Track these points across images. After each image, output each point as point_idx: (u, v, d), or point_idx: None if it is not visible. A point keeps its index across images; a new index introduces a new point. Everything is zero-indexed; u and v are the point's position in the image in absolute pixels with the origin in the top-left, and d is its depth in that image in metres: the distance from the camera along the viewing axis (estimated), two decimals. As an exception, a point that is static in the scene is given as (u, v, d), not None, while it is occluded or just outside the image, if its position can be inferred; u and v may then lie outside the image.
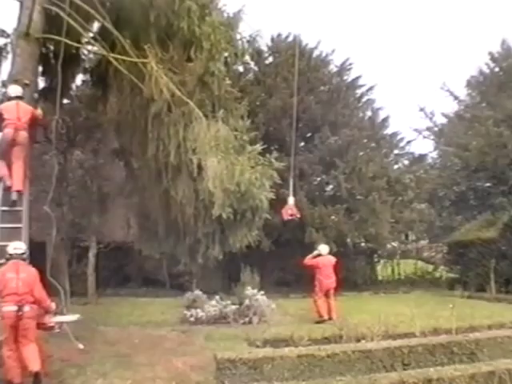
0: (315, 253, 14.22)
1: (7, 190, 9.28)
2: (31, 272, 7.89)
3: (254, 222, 10.95)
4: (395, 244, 26.24)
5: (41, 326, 8.00)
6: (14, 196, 9.25)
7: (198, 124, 9.91)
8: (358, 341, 8.74)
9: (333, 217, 22.11)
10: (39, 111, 10.08)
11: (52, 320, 8.35)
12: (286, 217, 13.96)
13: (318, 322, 12.83)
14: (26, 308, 7.49)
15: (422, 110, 28.68)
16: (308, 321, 13.05)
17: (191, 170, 10.14)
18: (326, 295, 13.78)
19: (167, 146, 10.43)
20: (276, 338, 9.93)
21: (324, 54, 25.60)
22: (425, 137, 28.93)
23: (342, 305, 15.05)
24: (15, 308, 7.41)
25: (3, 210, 9.15)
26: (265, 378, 6.64)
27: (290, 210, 13.92)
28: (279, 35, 25.76)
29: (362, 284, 23.38)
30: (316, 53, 25.41)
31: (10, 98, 9.66)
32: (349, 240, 22.26)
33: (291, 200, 14.01)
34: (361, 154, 23.25)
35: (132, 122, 11.54)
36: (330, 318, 13.07)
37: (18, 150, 9.35)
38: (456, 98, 28.04)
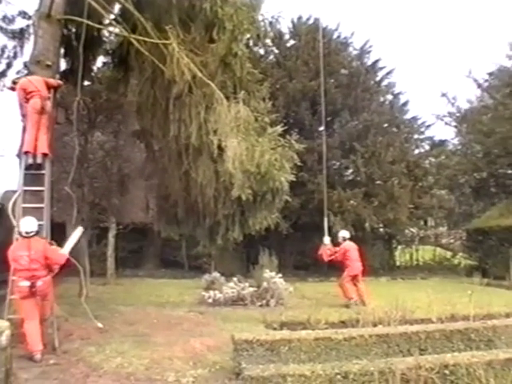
0: (326, 242, 14.24)
1: (29, 168, 9.42)
2: (40, 246, 8.14)
3: (274, 204, 10.89)
4: (414, 230, 26.05)
5: None
6: (39, 159, 9.39)
7: (219, 105, 9.86)
8: (375, 325, 8.73)
9: (351, 201, 22.01)
10: (56, 81, 10.20)
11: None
12: (326, 258, 14.13)
13: (346, 306, 12.87)
14: (39, 283, 7.87)
15: (444, 95, 28.30)
16: (325, 304, 13.08)
17: (212, 151, 10.08)
18: (355, 279, 13.82)
19: (188, 128, 10.38)
20: (293, 320, 9.99)
21: (343, 37, 25.37)
22: (446, 123, 28.54)
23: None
24: (28, 283, 7.75)
25: (25, 190, 9.29)
26: (281, 359, 6.66)
27: (328, 249, 14.09)
28: (300, 18, 25.55)
29: (379, 269, 23.31)
30: (336, 35, 25.17)
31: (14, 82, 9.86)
32: (367, 225, 22.11)
33: (327, 240, 14.26)
34: (380, 138, 23.01)
35: (153, 103, 11.54)
36: (363, 303, 13.03)
37: (45, 119, 9.53)
38: (480, 85, 27.59)
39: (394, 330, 7.68)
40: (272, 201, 10.58)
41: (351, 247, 14.09)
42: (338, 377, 5.90)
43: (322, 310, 11.48)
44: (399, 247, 26.33)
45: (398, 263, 25.79)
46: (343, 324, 9.34)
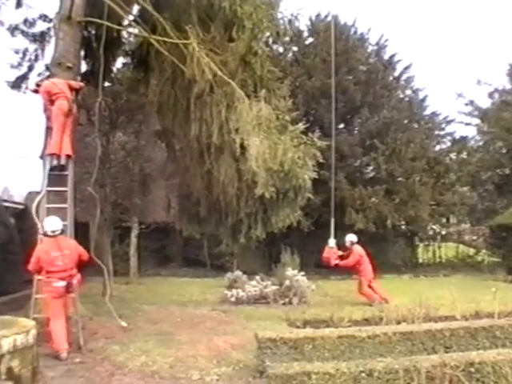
0: (332, 245, 13.94)
1: (53, 169, 9.52)
2: (71, 245, 8.34)
3: (297, 202, 10.84)
4: (436, 227, 25.83)
5: None
6: (63, 160, 9.51)
7: (240, 104, 9.86)
8: (399, 323, 8.68)
9: (373, 198, 21.91)
10: (78, 83, 10.31)
11: None
12: (333, 262, 13.84)
13: (370, 304, 12.85)
14: (74, 281, 8.06)
15: (460, 95, 27.96)
16: (348, 302, 13.05)
17: (234, 149, 10.06)
18: (370, 282, 13.75)
19: (210, 127, 10.38)
20: (316, 318, 9.96)
21: (360, 33, 25.32)
22: (467, 123, 28.14)
23: (382, 287, 14.96)
24: (64, 283, 7.89)
25: (49, 191, 9.39)
26: (305, 357, 6.65)
27: (334, 253, 13.87)
28: (318, 15, 25.49)
29: (401, 266, 23.21)
30: (353, 31, 25.09)
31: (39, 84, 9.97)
32: (389, 222, 22.00)
33: (333, 242, 13.93)
34: (400, 135, 22.87)
35: (174, 103, 11.57)
36: (386, 300, 12.96)
37: (70, 120, 9.66)
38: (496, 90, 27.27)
39: (417, 327, 7.63)
40: (294, 198, 10.53)
41: (363, 251, 13.97)
42: (363, 375, 5.87)
43: (345, 307, 11.46)
44: (422, 244, 26.10)
45: (420, 260, 25.59)
46: (366, 322, 9.29)
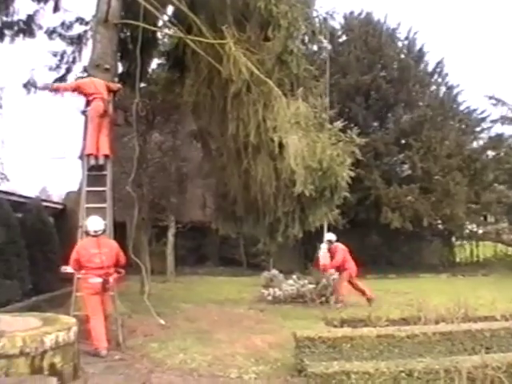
0: (323, 248, 13.53)
1: (91, 169, 9.68)
2: (112, 245, 8.46)
3: (334, 201, 10.73)
4: (473, 226, 25.39)
5: None
6: (101, 160, 9.64)
7: (277, 103, 9.83)
8: (437, 323, 8.55)
9: (409, 197, 21.68)
10: (116, 84, 10.44)
11: None
12: (331, 266, 13.34)
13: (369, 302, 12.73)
14: (110, 279, 8.15)
15: (491, 98, 27.25)
16: (385, 301, 12.93)
17: (271, 148, 10.04)
18: (353, 279, 13.49)
19: (247, 126, 10.36)
20: (353, 318, 9.85)
21: (392, 29, 25.23)
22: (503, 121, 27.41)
23: (419, 286, 14.81)
24: (101, 280, 7.97)
25: (88, 191, 9.53)
26: (343, 357, 6.60)
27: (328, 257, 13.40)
28: (351, 13, 25.38)
29: (438, 266, 22.94)
30: (385, 28, 24.93)
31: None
32: (425, 220, 21.75)
33: (324, 246, 13.50)
34: (435, 132, 22.57)
35: (210, 103, 11.60)
36: (371, 298, 12.87)
37: (106, 121, 9.79)
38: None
39: (457, 327, 7.51)
40: (332, 197, 10.43)
41: (346, 248, 13.69)
42: (403, 374, 5.81)
43: (382, 307, 11.35)
44: (458, 243, 25.72)
45: (457, 260, 25.23)
46: (404, 321, 9.13)
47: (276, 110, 9.77)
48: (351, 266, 13.49)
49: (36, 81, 14.28)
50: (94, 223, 8.35)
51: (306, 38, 11.98)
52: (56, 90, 10.14)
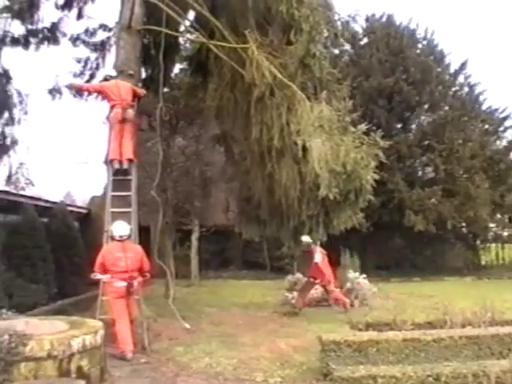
0: (318, 260, 12.39)
1: (116, 173, 9.76)
2: (137, 249, 8.53)
3: (358, 204, 10.66)
4: (499, 228, 25.04)
5: None
6: (126, 165, 9.71)
7: (301, 106, 9.80)
8: (463, 326, 8.45)
9: (432, 199, 21.52)
10: (141, 90, 10.52)
11: None
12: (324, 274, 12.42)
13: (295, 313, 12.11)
14: (135, 283, 8.21)
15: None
16: (410, 305, 12.84)
17: (295, 152, 9.99)
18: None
19: (270, 130, 10.32)
20: (378, 321, 9.79)
21: (412, 29, 25.22)
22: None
23: (444, 290, 14.65)
24: (125, 284, 8.05)
25: (113, 195, 9.60)
26: (369, 361, 6.55)
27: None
28: (373, 15, 25.35)
29: (463, 269, 22.71)
30: (406, 30, 24.91)
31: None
32: (449, 223, 21.55)
33: (319, 257, 12.40)
34: (457, 134, 22.40)
35: (234, 107, 11.60)
36: (347, 304, 12.32)
37: (128, 126, 9.84)
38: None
39: (484, 331, 7.42)
40: (356, 200, 10.34)
41: (325, 253, 12.76)
42: (430, 379, 5.80)
43: (407, 310, 11.26)
44: (483, 246, 25.40)
45: (483, 262, 24.87)
46: (430, 325, 9.04)
47: (299, 114, 9.73)
48: (329, 271, 12.62)
49: (61, 87, 14.49)
50: (120, 228, 8.43)
51: (329, 42, 11.95)
52: (80, 89, 10.19)
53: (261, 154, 11.20)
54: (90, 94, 11.07)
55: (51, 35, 13.87)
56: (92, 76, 14.67)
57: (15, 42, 13.49)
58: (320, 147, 9.23)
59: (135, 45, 10.93)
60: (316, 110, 9.65)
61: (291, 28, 10.71)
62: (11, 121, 14.02)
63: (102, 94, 9.98)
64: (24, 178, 13.45)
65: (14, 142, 14.68)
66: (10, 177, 14.52)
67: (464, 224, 23.62)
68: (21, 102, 14.06)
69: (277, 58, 10.50)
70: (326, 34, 11.33)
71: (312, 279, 12.49)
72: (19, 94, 13.99)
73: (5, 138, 14.14)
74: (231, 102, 11.62)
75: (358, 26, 23.91)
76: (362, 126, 10.50)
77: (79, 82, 14.17)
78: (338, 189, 9.69)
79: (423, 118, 23.88)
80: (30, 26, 13.55)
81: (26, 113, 14.22)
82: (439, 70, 24.47)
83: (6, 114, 13.95)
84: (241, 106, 11.36)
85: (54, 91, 14.52)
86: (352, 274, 13.74)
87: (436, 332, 7.27)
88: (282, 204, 11.06)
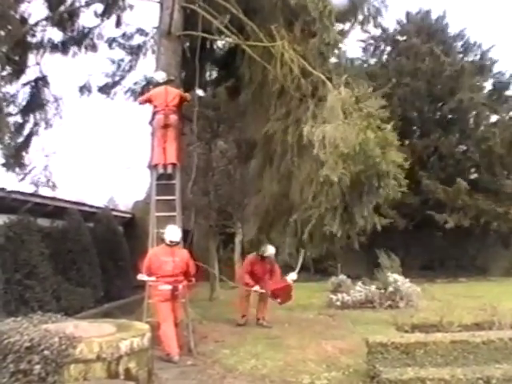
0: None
1: (160, 178, 9.88)
2: (184, 254, 8.57)
3: (378, 193, 9.44)
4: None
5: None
6: (170, 169, 9.81)
7: (330, 95, 9.53)
8: (512, 328, 8.28)
9: (470, 198, 21.35)
10: (187, 94, 10.63)
11: None
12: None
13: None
14: (180, 287, 8.26)
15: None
16: (456, 306, 12.53)
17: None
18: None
19: (299, 125, 10.00)
20: (424, 323, 9.69)
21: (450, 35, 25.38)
22: None
23: (491, 290, 14.31)
24: (170, 287, 8.11)
25: (158, 199, 9.72)
26: (417, 363, 6.44)
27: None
28: (408, 13, 25.56)
29: (510, 269, 22.18)
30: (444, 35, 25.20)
31: (157, 84, 10.30)
32: (494, 223, 21.21)
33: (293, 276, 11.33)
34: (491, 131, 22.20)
35: (266, 108, 11.44)
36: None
37: (171, 131, 9.94)
38: None
39: (536, 333, 7.20)
40: (375, 188, 9.53)
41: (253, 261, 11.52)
42: (480, 382, 5.68)
43: (454, 311, 11.04)
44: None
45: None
46: (477, 326, 8.88)
47: (329, 106, 9.34)
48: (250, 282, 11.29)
49: (91, 85, 14.88)
50: (173, 234, 8.43)
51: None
52: (143, 104, 10.42)
53: (282, 152, 10.87)
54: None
55: (89, 42, 14.13)
56: (122, 77, 14.94)
57: (54, 48, 13.74)
58: (331, 131, 8.75)
59: (175, 50, 11.04)
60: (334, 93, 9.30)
61: (315, 21, 10.53)
62: (46, 124, 14.29)
63: (150, 101, 10.11)
64: (46, 180, 13.53)
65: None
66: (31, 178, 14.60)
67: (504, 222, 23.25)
68: (56, 108, 14.33)
69: (299, 52, 10.34)
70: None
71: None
72: (55, 99, 14.29)
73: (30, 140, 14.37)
74: (264, 103, 11.48)
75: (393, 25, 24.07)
76: (388, 127, 9.79)
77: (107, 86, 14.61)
78: (349, 172, 8.98)
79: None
80: (70, 34, 13.82)
81: (60, 117, 14.49)
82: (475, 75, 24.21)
83: (38, 117, 14.24)
84: (266, 107, 11.22)
85: (85, 89, 14.85)
86: (391, 276, 13.52)
87: (485, 333, 7.10)
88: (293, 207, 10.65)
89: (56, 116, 14.26)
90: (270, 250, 11.14)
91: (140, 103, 10.48)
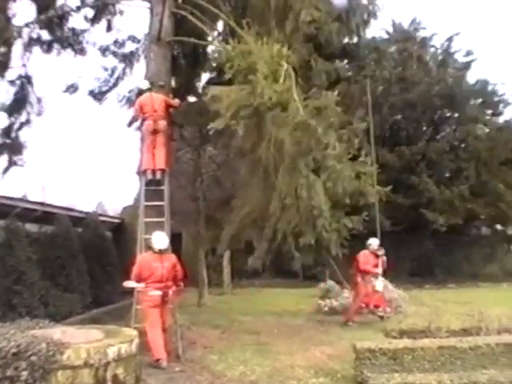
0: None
1: (149, 183, 9.87)
2: (172, 259, 8.53)
3: None
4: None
5: None
6: (158, 175, 9.82)
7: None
8: (499, 333, 8.31)
9: (459, 200, 21.72)
10: (175, 100, 10.61)
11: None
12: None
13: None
14: (170, 292, 8.24)
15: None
16: (445, 312, 12.60)
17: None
18: None
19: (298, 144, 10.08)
20: (413, 328, 9.69)
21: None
22: None
23: (480, 296, 14.38)
24: (160, 293, 8.09)
25: (146, 205, 9.71)
26: (404, 369, 6.46)
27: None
28: (395, 23, 25.68)
29: (499, 275, 22.33)
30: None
31: (141, 92, 10.32)
32: (483, 228, 21.45)
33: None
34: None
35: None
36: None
37: (160, 137, 9.95)
38: None
39: (522, 338, 7.25)
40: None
41: None
42: (466, 387, 5.68)
43: (443, 317, 11.08)
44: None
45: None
46: (465, 332, 8.91)
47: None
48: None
49: (79, 86, 15.01)
50: (160, 241, 8.33)
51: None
52: (141, 115, 10.37)
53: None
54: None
55: (78, 46, 14.14)
56: (115, 84, 14.98)
57: (38, 44, 13.75)
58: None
59: (165, 56, 11.03)
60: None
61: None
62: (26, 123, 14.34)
63: (141, 110, 10.11)
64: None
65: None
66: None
67: (499, 229, 23.39)
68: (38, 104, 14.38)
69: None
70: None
71: None
72: (38, 99, 14.34)
73: (17, 139, 14.38)
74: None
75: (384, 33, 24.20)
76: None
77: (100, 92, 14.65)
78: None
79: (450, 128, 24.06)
80: (58, 35, 13.82)
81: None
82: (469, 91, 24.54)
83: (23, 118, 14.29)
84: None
85: (71, 88, 14.96)
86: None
87: (472, 339, 7.14)
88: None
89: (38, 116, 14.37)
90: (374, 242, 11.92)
91: (139, 116, 10.43)
